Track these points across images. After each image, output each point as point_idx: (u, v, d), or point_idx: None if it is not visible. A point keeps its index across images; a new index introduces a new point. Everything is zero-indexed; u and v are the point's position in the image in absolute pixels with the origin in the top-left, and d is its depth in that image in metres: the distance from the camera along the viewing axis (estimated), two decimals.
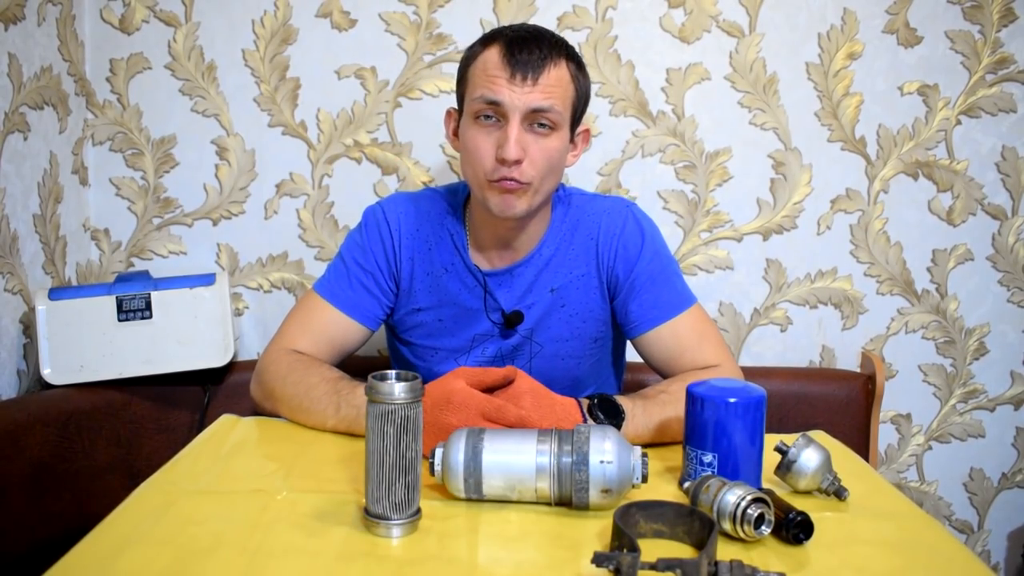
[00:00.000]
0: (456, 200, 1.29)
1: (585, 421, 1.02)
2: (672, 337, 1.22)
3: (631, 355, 1.39)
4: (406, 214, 1.27)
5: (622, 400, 1.08)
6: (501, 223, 1.19)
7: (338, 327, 1.24)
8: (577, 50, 1.19)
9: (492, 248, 1.25)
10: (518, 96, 1.10)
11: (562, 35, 1.53)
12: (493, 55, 1.12)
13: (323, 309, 1.24)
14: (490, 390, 1.03)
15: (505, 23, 1.60)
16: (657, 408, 1.10)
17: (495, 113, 1.12)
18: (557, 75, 1.12)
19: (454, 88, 1.22)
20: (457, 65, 1.21)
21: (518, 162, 1.11)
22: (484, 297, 1.24)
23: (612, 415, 1.04)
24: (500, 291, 1.25)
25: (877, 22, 1.63)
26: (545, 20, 1.61)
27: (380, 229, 1.27)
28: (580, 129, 1.21)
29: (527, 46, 1.11)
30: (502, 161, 1.11)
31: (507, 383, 1.04)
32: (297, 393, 1.14)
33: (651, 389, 1.15)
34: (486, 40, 1.16)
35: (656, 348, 1.23)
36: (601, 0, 1.62)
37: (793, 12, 1.63)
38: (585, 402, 1.05)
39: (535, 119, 1.12)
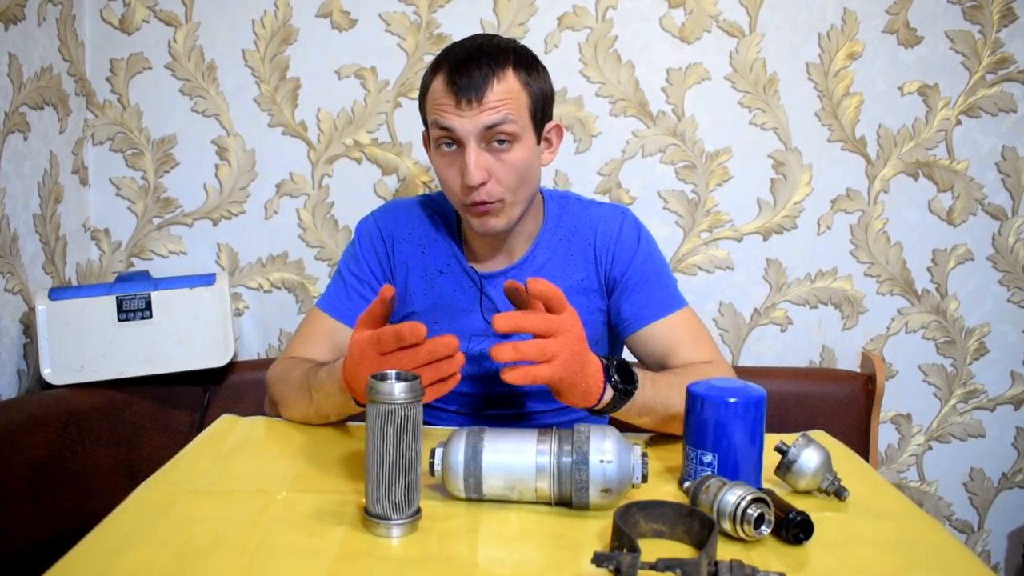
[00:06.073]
0: (450, 204, 1.29)
1: (605, 381, 1.00)
2: (666, 334, 1.22)
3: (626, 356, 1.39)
4: (397, 220, 1.30)
5: (636, 369, 1.06)
6: (488, 236, 1.21)
7: (341, 336, 1.25)
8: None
9: (486, 252, 1.26)
10: (467, 120, 1.10)
11: (560, 35, 1.51)
12: (439, 83, 1.13)
13: (324, 322, 1.26)
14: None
15: (505, 23, 1.61)
16: (664, 385, 1.08)
17: (452, 139, 1.13)
18: (503, 88, 1.11)
19: None
20: None
21: (483, 184, 1.12)
22: (480, 298, 1.26)
23: (627, 380, 1.03)
24: (496, 292, 1.26)
25: (877, 22, 1.63)
26: (545, 20, 1.61)
27: (372, 238, 1.29)
28: (550, 126, 1.21)
29: (467, 70, 1.11)
30: (467, 187, 1.13)
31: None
32: (284, 392, 1.17)
33: (658, 372, 1.14)
34: (434, 67, 1.16)
35: (650, 344, 1.23)
36: (601, 0, 1.62)
37: (793, 12, 1.63)
38: (604, 361, 1.03)
39: (492, 136, 1.12)
